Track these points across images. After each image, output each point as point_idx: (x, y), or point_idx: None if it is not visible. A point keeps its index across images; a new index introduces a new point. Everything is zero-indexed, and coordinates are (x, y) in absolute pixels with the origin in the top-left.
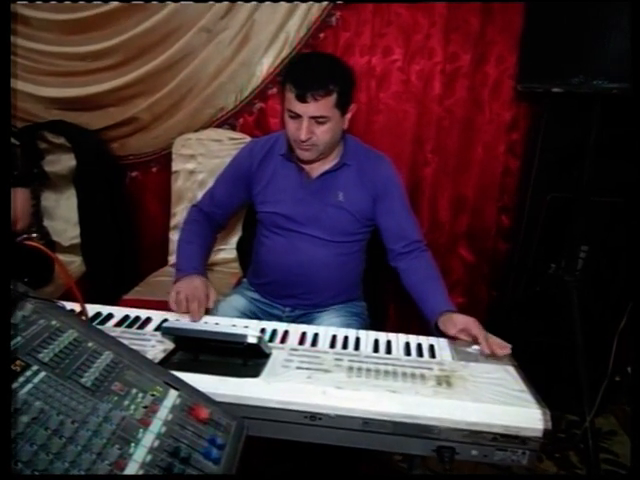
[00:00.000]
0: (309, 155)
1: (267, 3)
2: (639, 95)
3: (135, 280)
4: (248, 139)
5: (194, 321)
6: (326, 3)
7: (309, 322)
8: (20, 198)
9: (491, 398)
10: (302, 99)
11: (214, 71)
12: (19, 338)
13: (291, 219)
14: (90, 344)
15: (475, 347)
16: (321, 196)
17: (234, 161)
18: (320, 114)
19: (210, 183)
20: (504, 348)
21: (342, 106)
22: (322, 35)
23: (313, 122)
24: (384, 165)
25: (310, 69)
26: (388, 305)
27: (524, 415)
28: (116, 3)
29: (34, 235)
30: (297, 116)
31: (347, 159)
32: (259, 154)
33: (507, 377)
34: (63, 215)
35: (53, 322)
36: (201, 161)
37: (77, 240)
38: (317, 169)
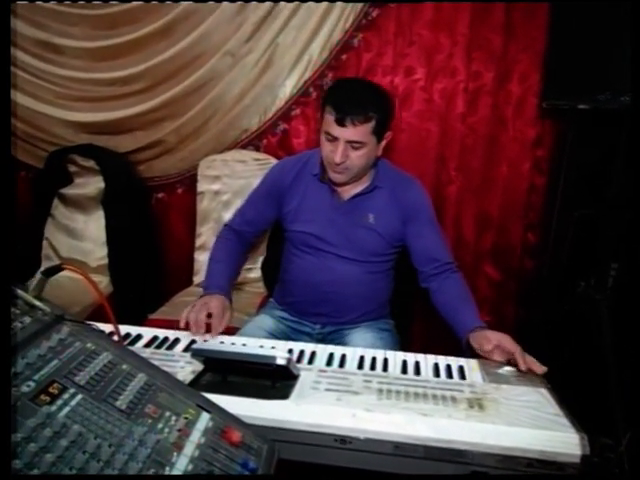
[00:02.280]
0: (341, 178)
1: (290, 26)
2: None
3: (161, 300)
4: (272, 160)
5: (193, 333)
6: (348, 25)
7: (339, 339)
8: None
9: (526, 422)
10: (341, 123)
11: (238, 94)
12: (56, 361)
13: (322, 239)
14: (124, 366)
15: (506, 368)
16: (352, 218)
17: (265, 179)
18: (357, 139)
19: (235, 203)
20: (540, 367)
21: (379, 133)
22: (344, 56)
23: (349, 146)
24: (415, 188)
25: (352, 94)
26: (413, 323)
27: (561, 440)
28: (144, 30)
29: None
30: (334, 139)
31: (379, 182)
32: (291, 172)
33: (541, 400)
34: (91, 236)
35: (88, 344)
36: (226, 182)
37: (105, 261)
38: (349, 191)
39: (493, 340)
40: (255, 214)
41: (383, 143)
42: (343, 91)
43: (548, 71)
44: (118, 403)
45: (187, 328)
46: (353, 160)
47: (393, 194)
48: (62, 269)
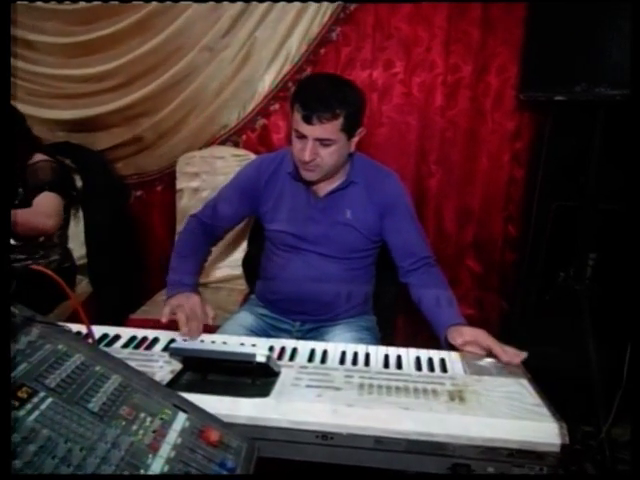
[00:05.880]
0: (313, 176)
1: (268, 20)
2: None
3: (142, 299)
4: (252, 155)
5: (193, 339)
6: (326, 19)
7: (320, 336)
8: (49, 199)
9: (506, 413)
10: (308, 121)
11: (217, 89)
12: (25, 364)
13: (300, 238)
14: (97, 368)
15: (487, 360)
16: (329, 215)
17: (240, 176)
18: (325, 137)
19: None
20: (519, 355)
21: (349, 130)
22: (323, 50)
23: (318, 144)
24: (391, 182)
25: (318, 91)
26: (396, 317)
27: (541, 430)
28: (119, 25)
29: (57, 257)
30: (303, 137)
31: (354, 177)
32: (266, 172)
33: (521, 390)
34: (70, 236)
35: (59, 346)
36: (205, 179)
37: (84, 260)
38: (324, 188)
39: (465, 335)
40: (228, 210)
41: (355, 139)
42: (310, 88)
43: (525, 63)
44: (91, 405)
45: (168, 325)
46: (323, 158)
47: (369, 189)
48: (30, 270)
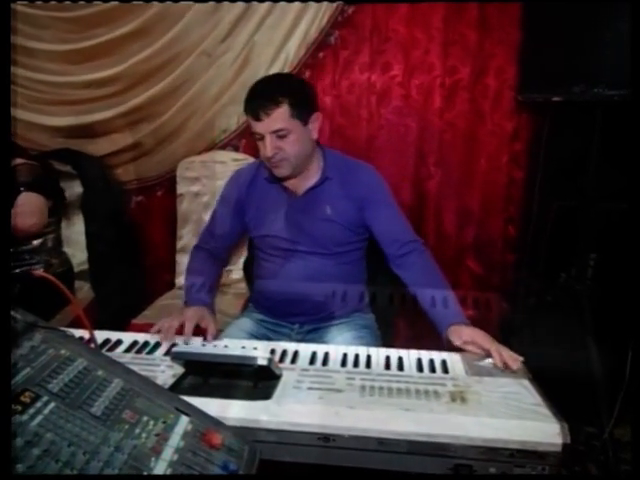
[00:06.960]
0: (283, 171)
1: (266, 25)
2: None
3: (143, 304)
4: (251, 160)
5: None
6: (324, 23)
7: (319, 337)
8: (28, 198)
9: (507, 413)
10: (256, 118)
11: (216, 93)
12: (28, 369)
13: (285, 239)
14: (100, 372)
15: (488, 360)
16: (310, 212)
17: (223, 193)
18: (277, 127)
19: (215, 205)
20: (516, 360)
21: (300, 116)
22: (321, 54)
23: (275, 137)
24: (366, 173)
25: (257, 88)
26: (396, 315)
27: (542, 430)
28: (118, 32)
29: (54, 261)
30: (261, 137)
31: (329, 173)
32: (245, 182)
33: (522, 391)
34: (71, 242)
35: (62, 351)
36: (205, 183)
37: (85, 266)
38: (301, 186)
39: (464, 336)
40: (223, 229)
41: (314, 126)
42: (251, 90)
43: (523, 64)
44: (93, 410)
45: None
46: (286, 150)
47: (345, 183)
48: (31, 275)
